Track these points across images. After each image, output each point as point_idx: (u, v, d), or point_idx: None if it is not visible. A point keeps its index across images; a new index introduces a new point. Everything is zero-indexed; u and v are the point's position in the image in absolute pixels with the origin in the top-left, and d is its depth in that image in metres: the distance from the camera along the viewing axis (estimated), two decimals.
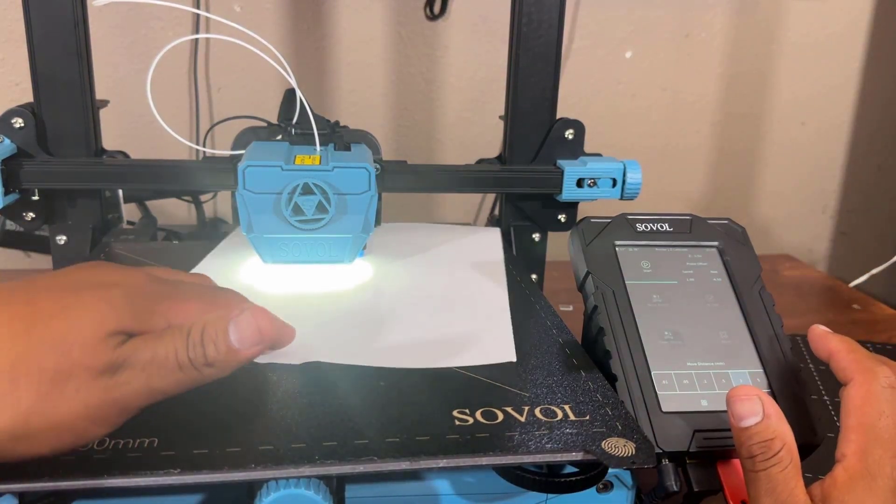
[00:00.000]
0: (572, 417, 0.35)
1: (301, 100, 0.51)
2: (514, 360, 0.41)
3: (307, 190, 0.47)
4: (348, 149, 0.52)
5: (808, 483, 0.33)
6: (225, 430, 0.33)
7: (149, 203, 0.71)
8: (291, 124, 0.53)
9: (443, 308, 0.47)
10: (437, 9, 0.86)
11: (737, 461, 0.37)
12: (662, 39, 0.96)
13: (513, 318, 0.47)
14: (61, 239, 0.57)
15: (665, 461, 0.37)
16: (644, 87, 0.97)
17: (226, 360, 0.32)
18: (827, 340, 0.38)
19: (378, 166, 0.53)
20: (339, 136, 0.53)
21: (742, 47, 0.98)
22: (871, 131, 1.06)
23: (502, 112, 0.62)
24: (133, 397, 0.30)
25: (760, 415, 0.33)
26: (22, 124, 0.54)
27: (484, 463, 0.32)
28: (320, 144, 0.51)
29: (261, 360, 0.38)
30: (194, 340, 0.31)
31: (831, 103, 1.04)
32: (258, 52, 0.47)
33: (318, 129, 0.51)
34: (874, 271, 0.91)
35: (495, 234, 0.60)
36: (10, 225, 0.68)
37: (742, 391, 0.34)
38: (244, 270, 0.52)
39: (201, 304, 0.34)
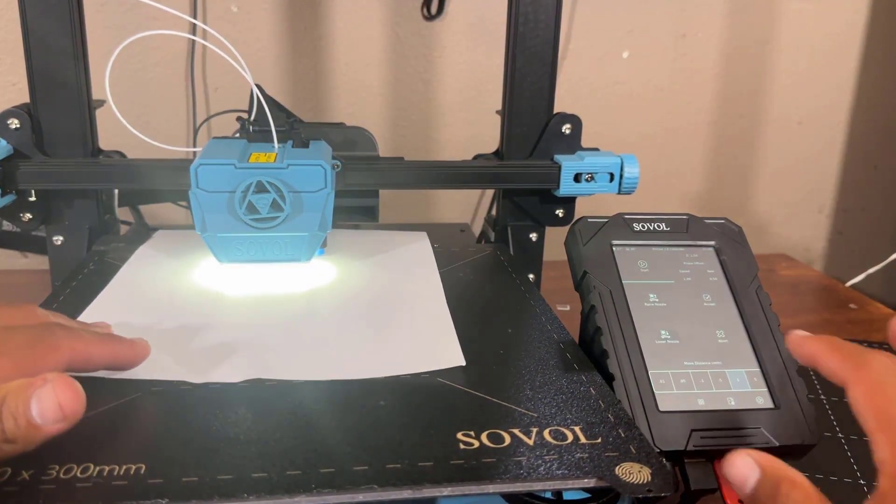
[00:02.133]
0: (583, 440, 0.33)
1: (258, 97, 0.50)
2: (464, 363, 0.40)
3: (261, 188, 0.46)
4: (307, 146, 0.52)
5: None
6: (216, 456, 0.31)
7: (145, 206, 0.70)
8: (250, 121, 0.52)
9: (383, 316, 0.46)
10: (433, 9, 0.86)
11: None
12: (659, 40, 0.96)
13: (511, 318, 0.47)
14: (58, 239, 0.57)
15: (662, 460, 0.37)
16: (641, 87, 0.98)
17: (27, 437, 0.29)
18: (806, 345, 0.35)
19: (338, 163, 0.53)
20: (297, 133, 0.52)
21: (738, 47, 0.98)
22: (867, 131, 1.07)
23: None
24: None
25: (757, 470, 0.32)
26: (18, 125, 0.54)
27: (491, 491, 0.30)
28: (278, 142, 0.50)
29: (196, 379, 0.37)
30: None
31: (828, 103, 1.05)
32: (217, 49, 0.47)
33: (275, 126, 0.50)
34: (871, 271, 0.91)
35: (423, 238, 0.59)
36: (7, 225, 0.68)
37: (729, 458, 0.32)
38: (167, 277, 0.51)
39: (14, 360, 0.31)
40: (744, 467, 0.32)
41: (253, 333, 0.43)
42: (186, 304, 0.47)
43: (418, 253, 0.57)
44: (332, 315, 0.46)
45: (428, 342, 0.43)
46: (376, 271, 0.53)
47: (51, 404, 0.29)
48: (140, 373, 0.37)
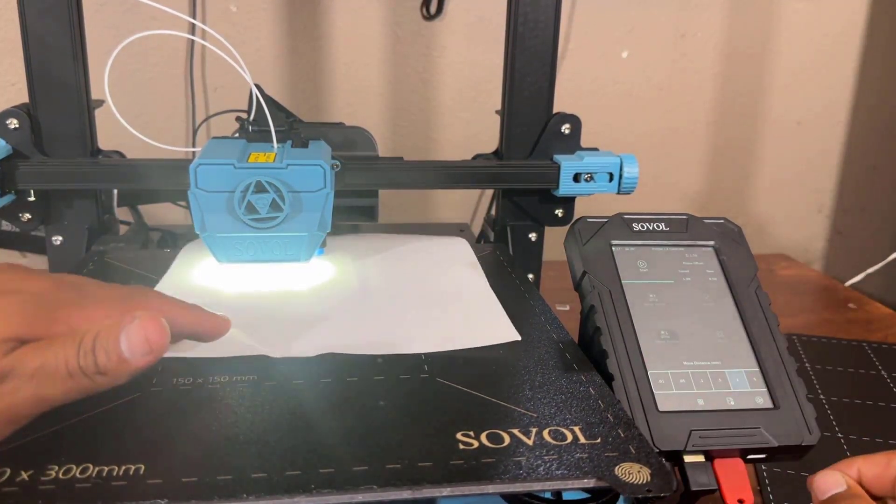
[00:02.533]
0: (582, 440, 0.33)
1: (257, 96, 0.50)
2: (519, 338, 0.43)
3: (260, 188, 0.46)
4: (306, 146, 0.52)
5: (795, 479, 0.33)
6: (216, 456, 0.31)
7: (144, 206, 0.70)
8: (249, 121, 0.52)
9: (431, 299, 0.48)
10: (433, 9, 0.86)
11: (733, 460, 0.38)
12: (658, 39, 0.96)
13: (510, 318, 0.46)
14: (57, 239, 0.57)
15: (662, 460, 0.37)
16: (640, 86, 0.98)
17: (117, 370, 0.31)
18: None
19: (337, 163, 0.53)
20: (296, 133, 0.52)
21: (738, 47, 0.99)
22: (866, 131, 1.07)
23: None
24: (21, 406, 0.30)
25: (844, 485, 0.34)
26: (17, 125, 0.54)
27: (491, 491, 0.30)
28: (277, 141, 0.50)
29: (275, 353, 0.39)
30: (86, 348, 0.30)
31: (827, 103, 1.05)
32: (217, 49, 0.47)
33: (274, 126, 0.50)
34: (870, 270, 0.92)
35: (463, 242, 0.60)
36: (7, 225, 0.68)
37: (823, 475, 0.34)
38: (207, 275, 0.52)
39: (106, 309, 0.33)
40: (833, 481, 0.34)
41: (319, 314, 0.46)
42: (246, 291, 0.49)
43: (460, 253, 0.58)
44: (389, 300, 0.49)
45: (483, 321, 0.46)
46: (423, 266, 0.55)
47: (138, 339, 0.31)
48: (219, 349, 0.39)
